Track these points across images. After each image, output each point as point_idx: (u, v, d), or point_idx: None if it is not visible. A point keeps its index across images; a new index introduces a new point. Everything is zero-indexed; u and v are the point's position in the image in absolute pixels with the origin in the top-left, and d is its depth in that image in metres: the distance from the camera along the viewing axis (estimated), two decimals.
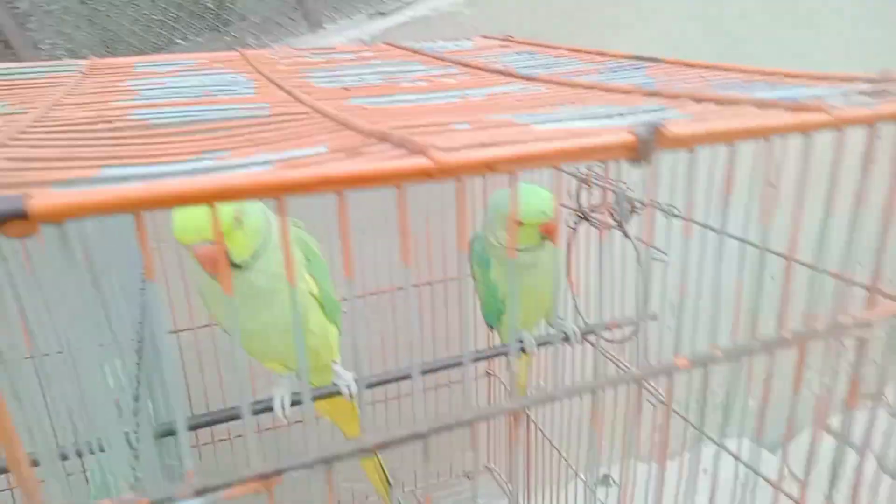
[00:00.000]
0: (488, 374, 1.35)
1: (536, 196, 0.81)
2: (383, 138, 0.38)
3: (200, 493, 0.33)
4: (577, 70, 0.71)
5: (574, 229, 0.93)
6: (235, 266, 0.66)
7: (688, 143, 0.34)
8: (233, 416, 0.82)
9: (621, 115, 0.41)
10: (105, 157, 0.40)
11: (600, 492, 1.32)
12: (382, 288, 1.21)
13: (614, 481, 1.52)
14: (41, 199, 0.26)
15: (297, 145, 0.42)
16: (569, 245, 0.96)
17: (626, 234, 0.84)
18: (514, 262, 0.78)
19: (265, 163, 0.33)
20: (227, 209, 0.64)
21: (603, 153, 0.33)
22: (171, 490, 0.33)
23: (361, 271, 1.19)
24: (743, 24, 1.54)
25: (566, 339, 0.91)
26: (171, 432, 0.78)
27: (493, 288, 0.91)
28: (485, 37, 1.10)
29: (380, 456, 1.02)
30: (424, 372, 0.87)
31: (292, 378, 0.82)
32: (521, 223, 0.81)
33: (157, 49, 1.34)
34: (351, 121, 0.46)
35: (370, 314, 1.25)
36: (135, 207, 0.28)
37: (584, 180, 0.89)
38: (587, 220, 0.90)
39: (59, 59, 1.23)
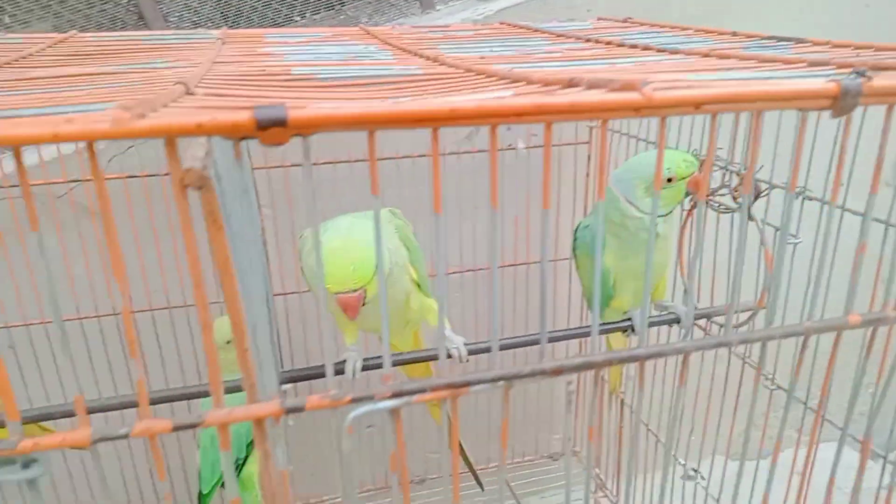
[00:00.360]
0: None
1: (676, 154, 0.81)
2: (571, 83, 0.39)
3: (397, 395, 0.35)
4: (716, 47, 0.70)
5: (689, 212, 0.92)
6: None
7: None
8: (319, 374, 0.84)
9: (803, 76, 0.41)
10: (300, 98, 0.43)
11: (688, 486, 1.31)
12: (468, 266, 1.23)
13: (702, 476, 1.49)
14: (299, 111, 0.29)
15: (480, 91, 0.44)
16: (681, 230, 0.95)
17: (750, 217, 0.83)
18: (655, 227, 0.78)
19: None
20: (368, 261, 0.68)
21: (805, 100, 0.33)
22: (370, 390, 0.35)
23: (456, 249, 1.21)
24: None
25: (676, 321, 0.90)
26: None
27: (604, 274, 0.90)
28: (602, 18, 1.10)
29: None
30: (520, 344, 0.87)
31: (360, 346, 0.84)
32: (670, 180, 0.80)
33: (276, 25, 1.39)
34: (521, 74, 0.47)
35: (457, 292, 1.27)
36: (376, 125, 0.30)
37: (703, 162, 0.88)
38: (706, 203, 0.89)
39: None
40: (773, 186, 0.83)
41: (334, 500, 1.34)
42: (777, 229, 0.82)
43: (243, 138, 0.30)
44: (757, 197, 0.84)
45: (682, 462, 1.10)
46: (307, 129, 0.29)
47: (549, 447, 1.44)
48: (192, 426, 0.34)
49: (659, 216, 0.81)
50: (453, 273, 1.23)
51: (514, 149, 1.16)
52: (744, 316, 0.91)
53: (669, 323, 0.90)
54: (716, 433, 1.03)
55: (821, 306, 0.68)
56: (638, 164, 0.86)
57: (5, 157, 1.04)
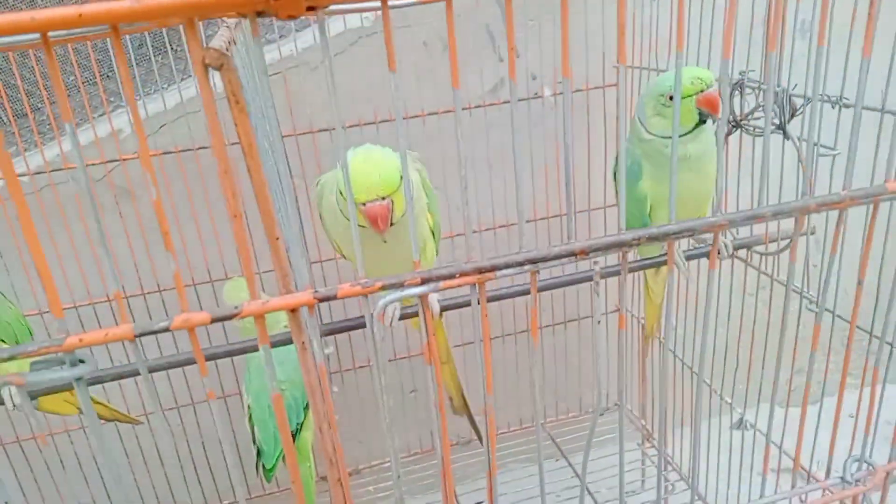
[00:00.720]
0: (617, 311, 1.34)
1: (686, 70, 0.78)
2: None
3: (426, 281, 0.35)
4: None
5: (725, 138, 0.90)
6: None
7: None
8: (360, 325, 0.84)
9: None
10: None
11: (736, 435, 1.28)
12: (500, 222, 1.22)
13: (751, 425, 1.46)
14: None
15: None
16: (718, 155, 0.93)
17: (787, 136, 0.81)
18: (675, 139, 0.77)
19: None
20: (394, 169, 0.67)
21: None
22: (401, 277, 0.35)
23: (487, 203, 1.21)
24: None
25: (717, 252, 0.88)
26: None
27: (640, 201, 0.89)
28: None
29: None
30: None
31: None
32: (671, 98, 0.78)
33: None
34: None
35: (490, 249, 1.27)
36: None
37: (737, 84, 0.86)
38: (740, 127, 0.87)
39: None
40: (808, 100, 0.81)
41: (383, 463, 1.36)
42: (815, 144, 0.79)
43: (260, 14, 0.30)
44: (793, 115, 0.82)
45: (738, 410, 1.08)
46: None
47: (593, 402, 1.43)
48: (230, 317, 0.34)
49: (664, 137, 0.81)
50: (486, 230, 1.22)
51: (540, 97, 1.15)
52: (784, 243, 0.89)
53: (699, 257, 0.87)
54: (760, 379, 1.01)
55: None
56: (649, 85, 0.85)
57: (46, 146, 1.08)
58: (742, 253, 0.94)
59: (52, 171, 1.02)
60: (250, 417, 0.98)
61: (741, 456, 1.11)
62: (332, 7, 0.31)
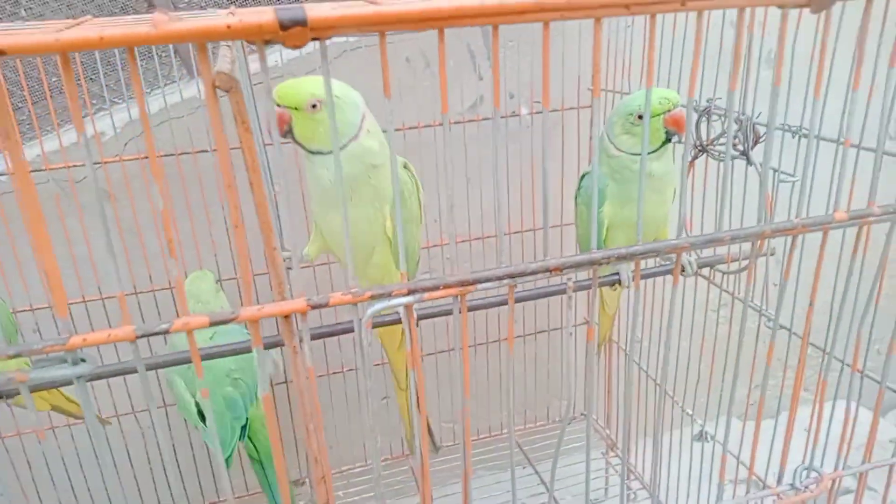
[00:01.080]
0: (587, 323, 1.38)
1: (659, 90, 0.82)
2: None
3: (412, 292, 0.38)
4: None
5: (691, 164, 0.95)
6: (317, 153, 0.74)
7: None
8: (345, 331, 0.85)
9: None
10: None
11: (696, 447, 1.33)
12: (476, 234, 1.25)
13: (711, 437, 1.51)
14: (317, 11, 0.32)
15: None
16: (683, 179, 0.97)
17: (750, 162, 0.85)
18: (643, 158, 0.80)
19: None
20: (311, 92, 0.71)
21: None
22: (388, 287, 0.38)
23: (464, 217, 1.24)
24: None
25: (669, 272, 0.91)
26: None
27: (600, 222, 0.91)
28: None
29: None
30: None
31: None
32: (640, 117, 0.81)
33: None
34: None
35: (466, 261, 1.30)
36: (388, 25, 0.33)
37: (704, 111, 0.91)
38: (706, 151, 0.91)
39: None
40: (770, 129, 0.85)
41: (352, 469, 1.37)
42: (775, 171, 0.84)
43: (268, 42, 0.32)
44: (756, 142, 0.86)
45: (699, 421, 1.13)
46: (325, 30, 0.32)
47: (560, 412, 1.47)
48: (228, 321, 0.36)
49: (632, 154, 0.85)
50: (462, 242, 1.25)
51: (517, 115, 1.19)
52: (744, 263, 0.93)
53: (663, 274, 0.90)
54: (720, 392, 1.05)
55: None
56: (619, 103, 0.89)
57: (27, 145, 1.08)
58: (705, 271, 0.99)
59: (34, 171, 1.02)
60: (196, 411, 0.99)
61: (701, 466, 1.15)
62: (334, 37, 0.34)
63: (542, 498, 1.28)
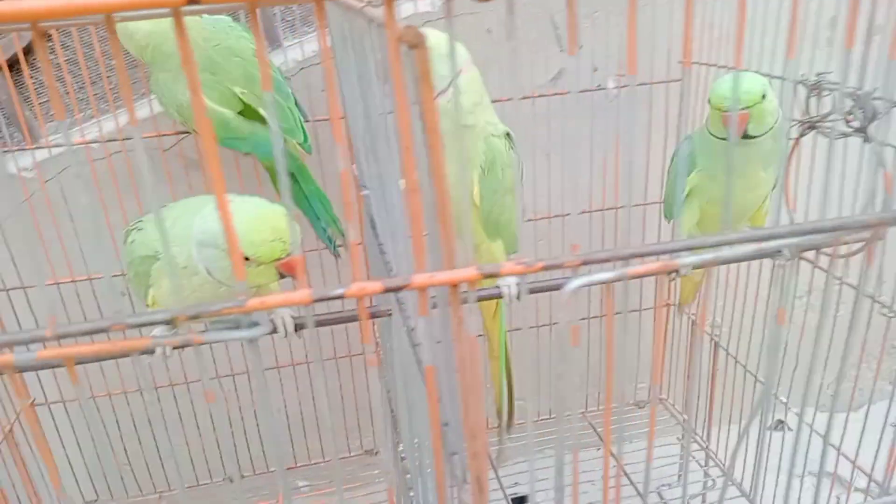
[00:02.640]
0: (668, 305, 1.35)
1: (740, 80, 0.79)
2: None
3: (586, 262, 0.36)
4: None
5: (797, 140, 0.91)
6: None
7: None
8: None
9: None
10: None
11: (775, 437, 1.29)
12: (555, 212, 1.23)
13: (789, 428, 1.47)
14: None
15: None
16: (789, 158, 0.93)
17: (868, 139, 0.81)
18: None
19: None
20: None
21: None
22: (561, 258, 0.36)
23: (543, 193, 1.22)
24: None
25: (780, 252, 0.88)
26: None
27: (682, 188, 0.90)
28: None
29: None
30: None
31: None
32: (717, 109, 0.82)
33: None
34: None
35: (542, 239, 1.28)
36: None
37: (814, 87, 0.86)
38: (815, 129, 0.87)
39: None
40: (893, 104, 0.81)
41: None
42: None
43: None
44: (873, 118, 0.82)
45: (794, 410, 1.09)
46: None
47: (634, 395, 1.45)
48: (400, 288, 0.36)
49: (723, 139, 0.84)
50: (532, 220, 1.23)
51: (603, 89, 1.15)
52: (856, 246, 0.89)
53: (768, 256, 0.88)
54: (806, 380, 1.02)
55: None
56: (711, 90, 0.87)
57: (105, 119, 1.09)
58: (810, 254, 0.95)
59: (108, 140, 1.04)
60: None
61: (780, 458, 1.11)
62: None
63: (615, 480, 1.26)
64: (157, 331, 0.79)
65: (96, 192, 1.04)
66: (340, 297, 0.35)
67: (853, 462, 1.01)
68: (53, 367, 0.75)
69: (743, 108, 0.81)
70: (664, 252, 0.38)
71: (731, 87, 0.82)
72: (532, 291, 0.78)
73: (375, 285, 0.35)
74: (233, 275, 0.64)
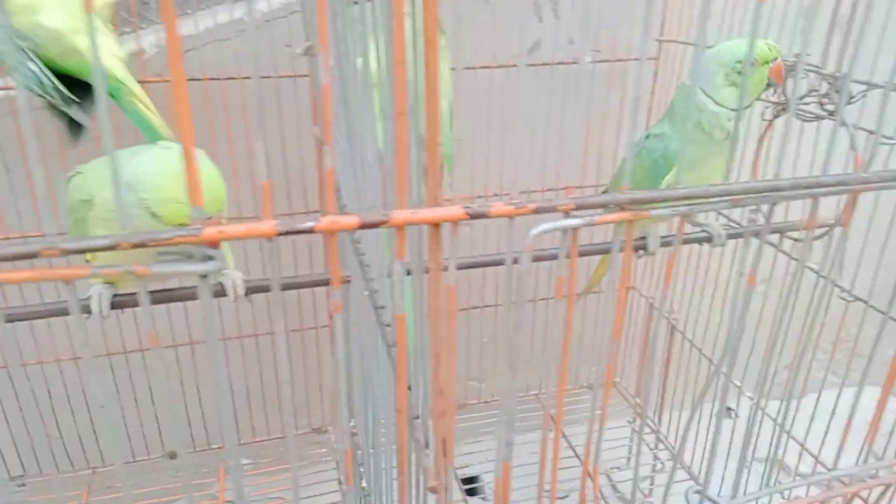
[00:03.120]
0: (627, 288, 1.34)
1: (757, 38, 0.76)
2: None
3: (581, 207, 0.33)
4: None
5: (771, 122, 0.90)
6: None
7: None
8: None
9: None
10: None
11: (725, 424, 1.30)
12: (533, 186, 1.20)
13: (736, 415, 1.49)
14: None
15: None
16: (761, 140, 0.92)
17: (843, 123, 0.80)
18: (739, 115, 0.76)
19: None
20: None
21: None
22: (553, 201, 0.33)
23: (522, 166, 1.19)
24: None
25: (707, 239, 0.85)
26: None
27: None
28: None
29: None
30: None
31: None
32: (753, 64, 0.75)
33: None
34: None
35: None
36: None
37: (792, 68, 0.85)
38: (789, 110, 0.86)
39: None
40: (870, 87, 0.80)
41: None
42: (871, 133, 0.79)
43: None
44: (849, 101, 0.82)
45: (749, 395, 1.09)
46: None
47: (588, 377, 1.44)
48: (378, 224, 0.32)
49: (732, 109, 0.77)
50: (499, 195, 1.21)
51: (576, 63, 1.13)
52: (821, 230, 0.89)
53: (700, 241, 0.84)
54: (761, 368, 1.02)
55: None
56: (717, 51, 0.80)
57: None
58: (774, 238, 0.95)
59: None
60: None
61: (730, 444, 1.11)
62: None
63: (567, 461, 1.26)
64: (95, 287, 0.73)
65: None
66: (310, 230, 0.31)
67: (802, 445, 1.02)
68: None
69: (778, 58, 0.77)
70: (667, 198, 0.35)
71: (756, 43, 0.76)
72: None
73: (350, 219, 0.31)
74: (143, 226, 0.58)
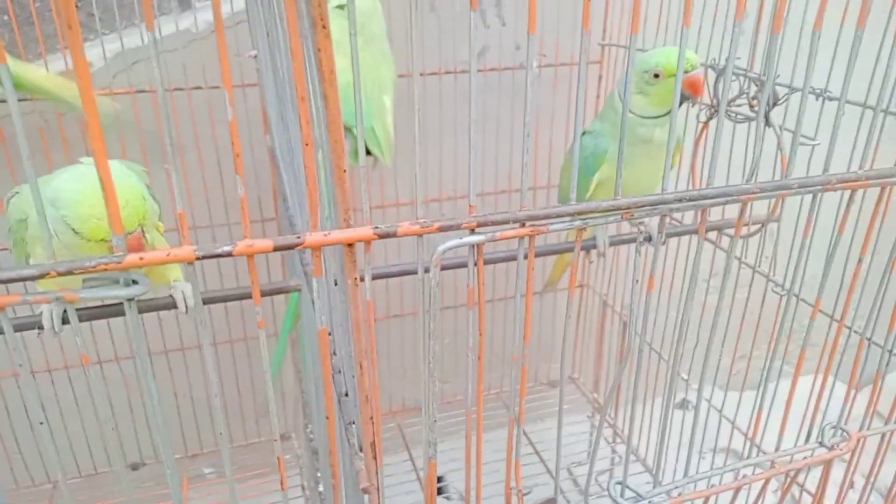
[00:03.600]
0: (581, 286, 1.38)
1: (674, 49, 0.77)
2: None
3: (482, 225, 0.36)
4: None
5: (705, 125, 0.93)
6: None
7: None
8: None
9: None
10: None
11: (677, 415, 1.34)
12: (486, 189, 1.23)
13: (692, 405, 1.54)
14: None
15: None
16: (696, 141, 0.96)
17: (769, 123, 0.84)
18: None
19: None
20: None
21: None
22: (457, 219, 0.36)
23: (464, 173, 1.22)
24: None
25: (648, 239, 0.87)
26: None
27: (588, 184, 0.87)
28: None
29: None
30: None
31: None
32: (657, 76, 0.77)
33: None
34: None
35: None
36: None
37: (721, 71, 0.89)
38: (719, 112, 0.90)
39: None
40: (792, 91, 0.84)
41: None
42: (793, 133, 0.83)
43: None
44: (775, 104, 0.85)
45: (694, 387, 1.13)
46: None
47: (548, 375, 1.47)
48: (292, 247, 0.34)
49: (650, 117, 0.80)
50: (452, 198, 1.23)
51: (524, 68, 1.16)
52: (755, 228, 0.93)
53: (639, 241, 0.86)
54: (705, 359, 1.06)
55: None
56: (639, 58, 0.82)
57: None
58: (712, 235, 0.98)
59: (20, 100, 0.96)
60: None
61: (680, 434, 1.15)
62: None
63: (528, 458, 1.29)
64: (46, 308, 0.73)
65: None
66: (228, 254, 0.33)
67: (745, 435, 1.06)
68: None
69: (692, 70, 0.78)
70: (562, 215, 0.38)
71: (673, 50, 0.78)
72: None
73: (265, 243, 0.33)
74: (69, 243, 0.59)
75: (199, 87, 1.02)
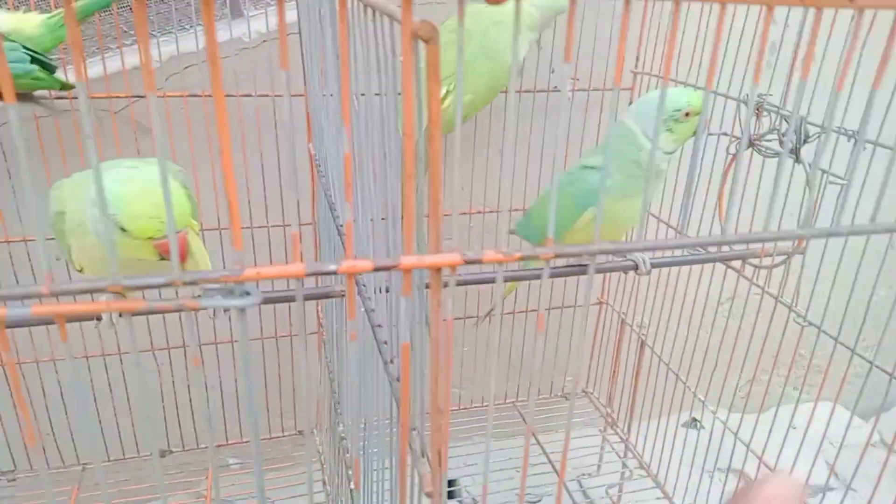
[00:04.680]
0: (600, 303, 1.41)
1: (684, 91, 0.84)
2: None
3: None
4: None
5: (734, 157, 0.97)
6: None
7: None
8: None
9: None
10: None
11: (691, 434, 1.37)
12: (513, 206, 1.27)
13: (702, 426, 1.57)
14: None
15: None
16: (725, 173, 1.00)
17: (797, 160, 0.88)
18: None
19: None
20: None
21: None
22: (538, 251, 0.39)
23: (494, 187, 1.25)
24: None
25: (635, 268, 0.89)
26: None
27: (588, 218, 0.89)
28: None
29: None
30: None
31: None
32: (687, 114, 0.83)
33: None
34: None
35: (489, 232, 1.31)
36: None
37: (756, 107, 0.93)
38: (752, 146, 0.94)
39: None
40: (824, 130, 0.88)
41: None
42: (824, 172, 0.87)
43: None
44: (805, 141, 0.89)
45: (711, 408, 1.16)
46: None
47: (563, 387, 1.51)
48: (390, 268, 0.38)
49: (667, 153, 0.84)
50: (481, 213, 1.27)
51: (558, 91, 1.19)
52: (779, 259, 0.96)
53: (625, 269, 0.88)
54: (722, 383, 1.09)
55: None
56: (650, 98, 0.88)
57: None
58: (737, 264, 1.02)
59: (73, 98, 1.00)
60: None
61: (694, 453, 1.18)
62: None
63: (541, 468, 1.32)
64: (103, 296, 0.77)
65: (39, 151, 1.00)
66: (333, 272, 0.37)
67: (760, 458, 1.09)
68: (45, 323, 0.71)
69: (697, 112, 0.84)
70: (621, 251, 0.41)
71: (690, 93, 0.84)
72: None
73: (366, 263, 0.37)
74: (110, 240, 0.62)
75: (248, 95, 1.06)
